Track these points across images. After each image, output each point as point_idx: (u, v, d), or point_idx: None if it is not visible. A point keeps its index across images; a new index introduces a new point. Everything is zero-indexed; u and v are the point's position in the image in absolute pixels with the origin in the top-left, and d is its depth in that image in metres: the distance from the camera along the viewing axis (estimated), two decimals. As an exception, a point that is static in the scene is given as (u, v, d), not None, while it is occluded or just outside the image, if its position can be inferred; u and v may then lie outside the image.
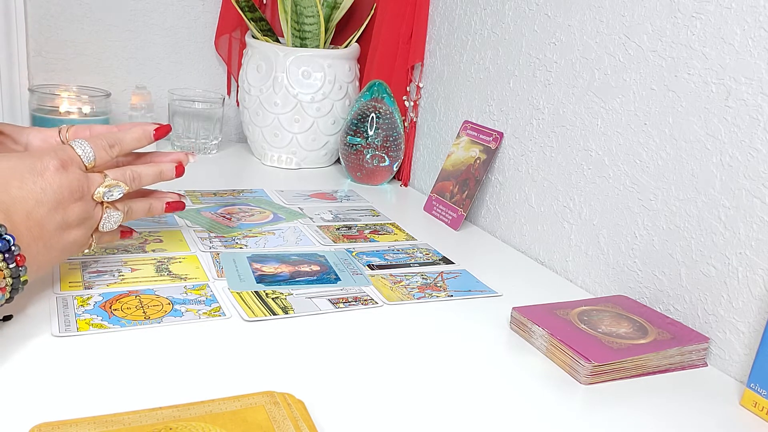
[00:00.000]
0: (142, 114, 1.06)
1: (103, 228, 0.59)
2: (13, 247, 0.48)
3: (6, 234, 0.48)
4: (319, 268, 0.70)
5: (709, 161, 0.61)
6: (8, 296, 0.49)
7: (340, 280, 0.68)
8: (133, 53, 1.18)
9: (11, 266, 0.48)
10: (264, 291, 0.63)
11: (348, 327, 0.59)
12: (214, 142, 1.14)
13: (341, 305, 0.62)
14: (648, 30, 0.66)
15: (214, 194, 0.91)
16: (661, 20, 0.65)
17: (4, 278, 0.48)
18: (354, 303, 0.63)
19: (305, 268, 0.69)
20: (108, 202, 0.58)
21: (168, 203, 0.65)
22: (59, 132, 0.64)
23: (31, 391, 0.45)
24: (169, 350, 0.52)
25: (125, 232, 0.65)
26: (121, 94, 1.18)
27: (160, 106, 1.19)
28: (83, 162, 0.57)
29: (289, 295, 0.63)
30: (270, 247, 0.74)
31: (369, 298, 0.65)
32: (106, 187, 0.57)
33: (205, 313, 0.58)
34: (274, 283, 0.65)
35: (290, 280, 0.66)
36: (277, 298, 0.62)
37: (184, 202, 0.66)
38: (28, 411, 0.43)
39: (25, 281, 0.50)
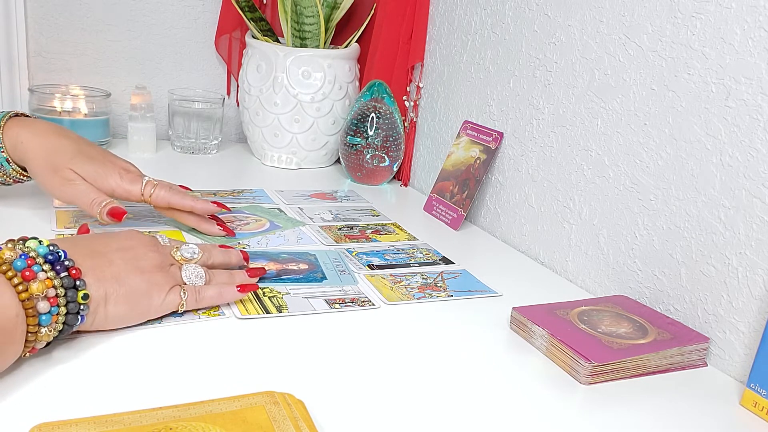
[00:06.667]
0: (142, 114, 1.06)
1: (186, 277, 0.57)
2: (66, 261, 0.48)
3: (58, 250, 0.48)
4: (307, 267, 0.70)
5: (709, 161, 0.61)
6: (64, 310, 0.47)
7: (326, 278, 0.67)
8: (133, 53, 1.18)
9: (62, 275, 0.47)
10: (261, 289, 0.63)
11: (348, 327, 0.59)
12: (214, 142, 1.14)
13: (337, 306, 0.62)
14: (648, 30, 0.66)
15: (214, 194, 0.91)
16: (661, 20, 0.65)
17: (54, 287, 0.46)
18: (350, 304, 0.63)
19: (293, 267, 0.69)
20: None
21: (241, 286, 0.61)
22: (143, 186, 0.71)
23: (31, 391, 0.45)
24: (169, 350, 0.52)
25: (245, 286, 0.60)
26: (121, 94, 1.18)
27: (160, 106, 1.20)
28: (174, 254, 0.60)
29: (286, 294, 0.63)
30: (272, 246, 0.75)
31: (366, 299, 0.65)
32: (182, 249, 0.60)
33: (205, 313, 0.58)
34: (258, 281, 0.65)
35: (276, 278, 0.66)
36: (273, 297, 0.62)
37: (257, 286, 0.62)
38: (28, 411, 0.43)
39: (86, 295, 0.48)
